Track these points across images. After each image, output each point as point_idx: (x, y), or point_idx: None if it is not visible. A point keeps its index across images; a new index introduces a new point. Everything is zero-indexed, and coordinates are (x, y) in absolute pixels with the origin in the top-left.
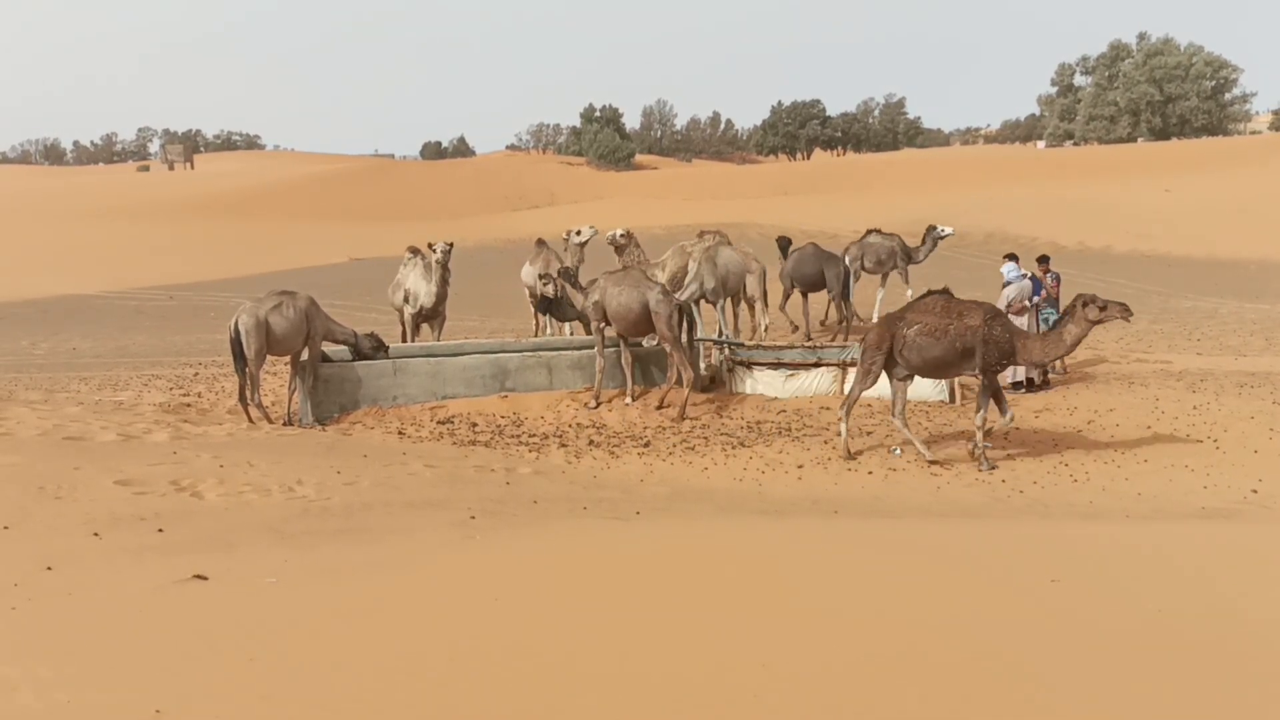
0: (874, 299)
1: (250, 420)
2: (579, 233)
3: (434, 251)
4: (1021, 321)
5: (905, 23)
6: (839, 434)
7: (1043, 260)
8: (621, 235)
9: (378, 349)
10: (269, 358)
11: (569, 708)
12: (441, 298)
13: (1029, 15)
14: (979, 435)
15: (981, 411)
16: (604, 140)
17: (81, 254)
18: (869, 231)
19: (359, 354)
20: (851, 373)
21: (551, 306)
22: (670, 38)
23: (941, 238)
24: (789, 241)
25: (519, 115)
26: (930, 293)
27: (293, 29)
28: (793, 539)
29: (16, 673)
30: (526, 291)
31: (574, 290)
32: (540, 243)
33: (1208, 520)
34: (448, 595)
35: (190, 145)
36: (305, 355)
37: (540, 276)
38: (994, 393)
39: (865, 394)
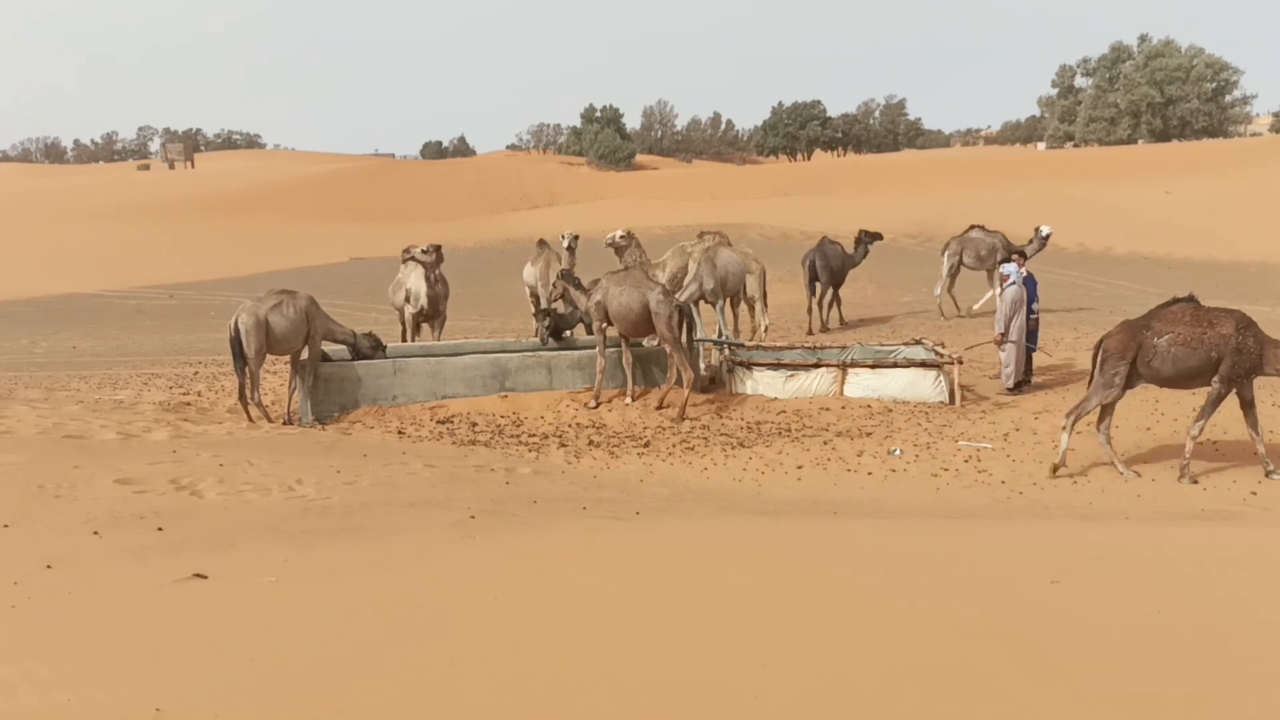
0: (980, 296)
1: (250, 419)
2: (564, 238)
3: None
4: (1019, 320)
5: (906, 24)
6: (1059, 445)
7: (1020, 255)
8: (622, 236)
9: (376, 348)
10: (269, 357)
11: (569, 708)
12: (441, 298)
13: (1029, 16)
14: (1190, 446)
15: (1201, 422)
16: (604, 140)
17: (81, 253)
18: (971, 227)
19: (358, 353)
20: (852, 373)
21: (560, 322)
22: (670, 38)
23: (1046, 237)
24: (866, 235)
25: (519, 115)
26: (1175, 300)
27: (293, 29)
28: (792, 540)
29: (16, 672)
30: (527, 291)
31: (576, 291)
32: (541, 243)
33: (1208, 521)
34: (448, 595)
35: (190, 144)
36: (305, 354)
37: (539, 311)
38: (1248, 405)
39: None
